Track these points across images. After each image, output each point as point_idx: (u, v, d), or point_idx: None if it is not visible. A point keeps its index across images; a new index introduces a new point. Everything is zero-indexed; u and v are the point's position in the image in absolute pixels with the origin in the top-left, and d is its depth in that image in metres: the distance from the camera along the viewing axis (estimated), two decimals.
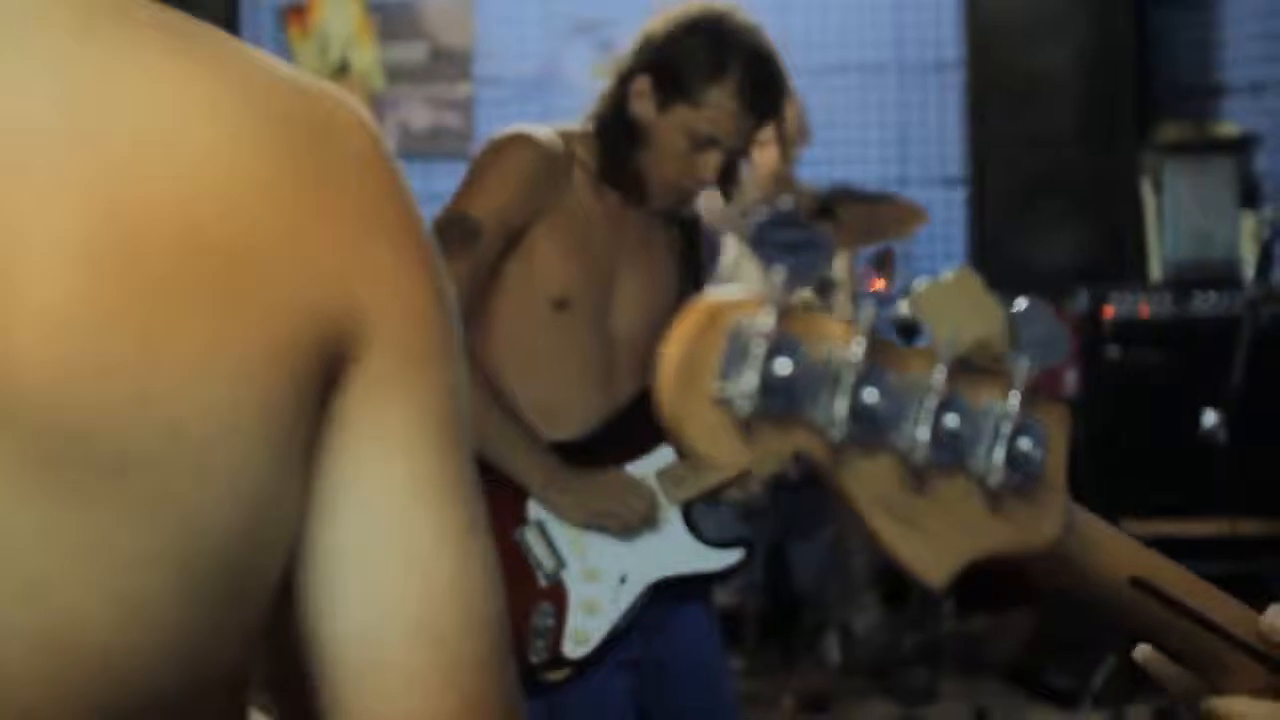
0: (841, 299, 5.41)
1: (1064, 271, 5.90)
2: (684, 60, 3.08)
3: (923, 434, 0.86)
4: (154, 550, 0.89)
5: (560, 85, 6.89)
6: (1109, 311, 5.03)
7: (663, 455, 3.21)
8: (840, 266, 5.16)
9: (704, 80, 3.06)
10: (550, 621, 3.08)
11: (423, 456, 0.97)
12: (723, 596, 5.42)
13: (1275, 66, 5.62)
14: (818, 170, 6.41)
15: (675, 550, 3.19)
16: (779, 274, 0.84)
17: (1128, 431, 4.99)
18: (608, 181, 3.16)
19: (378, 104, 6.82)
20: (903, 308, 4.86)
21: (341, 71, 6.81)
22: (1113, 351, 4.97)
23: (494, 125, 6.85)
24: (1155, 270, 5.80)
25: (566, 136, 3.17)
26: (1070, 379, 5.49)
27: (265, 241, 0.91)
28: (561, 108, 6.83)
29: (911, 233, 5.27)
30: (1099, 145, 6.13)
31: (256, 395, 0.91)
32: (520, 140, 3.12)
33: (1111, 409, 4.92)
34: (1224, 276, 5.10)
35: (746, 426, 0.83)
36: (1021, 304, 0.92)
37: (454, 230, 3.07)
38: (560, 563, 3.12)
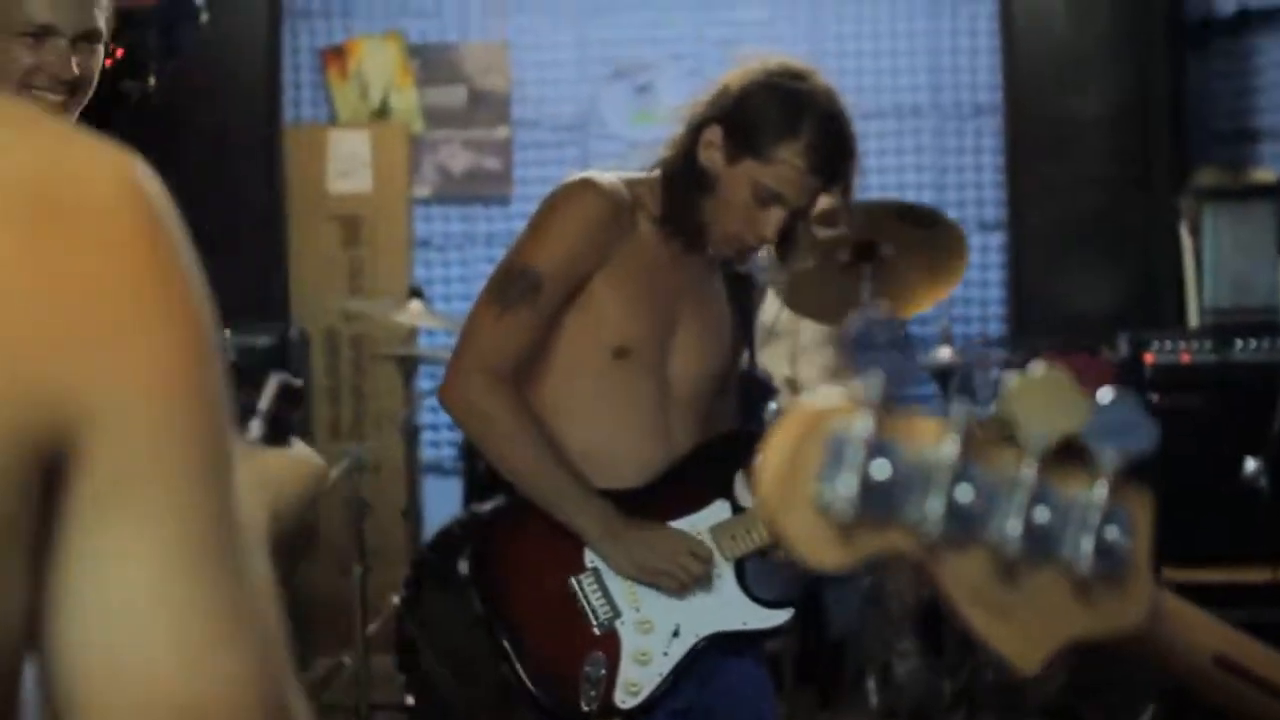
0: None
1: (1101, 316, 5.91)
2: (757, 115, 3.08)
3: (1014, 529, 0.87)
4: None
5: (597, 129, 6.93)
6: (1149, 358, 5.03)
7: (718, 510, 3.20)
8: (883, 309, 5.15)
9: (775, 138, 3.05)
10: (603, 671, 3.08)
11: (156, 571, 0.91)
12: None
13: None
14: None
15: (727, 606, 3.17)
16: (877, 377, 0.86)
17: (1169, 478, 4.97)
18: (669, 226, 3.15)
19: (418, 147, 6.86)
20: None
21: (381, 114, 6.85)
22: (1154, 398, 4.97)
23: (532, 168, 6.92)
24: (1193, 316, 5.80)
25: (631, 183, 3.18)
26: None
27: None
28: (599, 151, 6.88)
29: (959, 272, 5.26)
30: (1135, 190, 6.14)
31: None
32: (584, 188, 3.12)
33: (1153, 456, 4.91)
34: (1264, 323, 5.10)
35: (845, 529, 0.85)
36: (1107, 395, 0.93)
37: (516, 283, 3.08)
38: (615, 612, 3.12)
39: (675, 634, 3.13)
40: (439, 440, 6.81)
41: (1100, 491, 0.91)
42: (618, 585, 3.13)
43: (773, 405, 3.75)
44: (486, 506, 3.33)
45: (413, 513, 5.46)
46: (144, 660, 0.91)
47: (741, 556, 3.18)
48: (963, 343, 6.36)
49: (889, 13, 6.88)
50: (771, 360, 5.25)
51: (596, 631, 3.12)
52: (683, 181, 3.13)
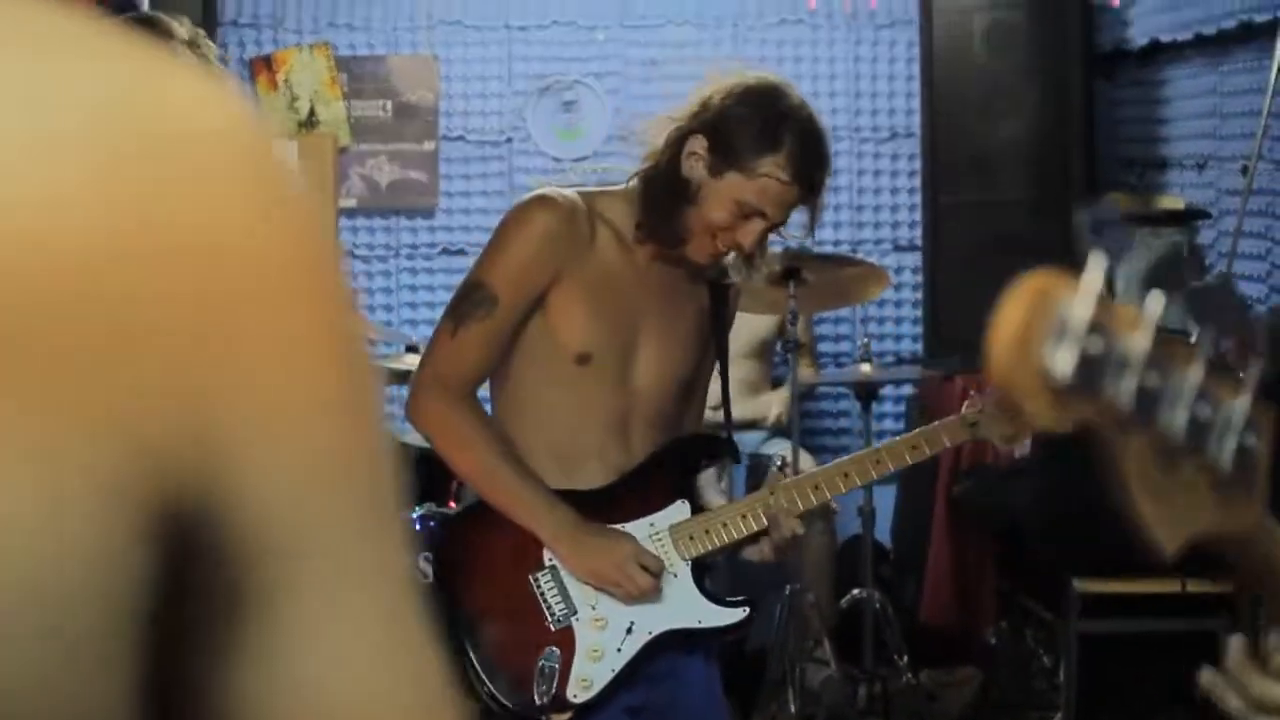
0: (804, 360, 5.54)
1: None
2: (741, 129, 3.14)
3: (1180, 419, 0.98)
4: None
5: (523, 144, 7.02)
6: None
7: (678, 510, 3.29)
8: (801, 327, 5.28)
9: (758, 151, 3.12)
10: (556, 664, 3.16)
11: (359, 647, 0.74)
12: None
13: (1216, 143, 5.78)
14: (773, 235, 6.54)
15: (682, 605, 3.25)
16: (1101, 261, 0.96)
17: (1081, 492, 5.10)
18: (647, 232, 3.22)
19: (344, 158, 6.92)
20: None
21: (309, 125, 6.91)
22: None
23: (457, 182, 7.00)
24: None
25: (589, 197, 3.25)
26: (1025, 442, 5.63)
27: (84, 331, 0.62)
28: (524, 166, 6.98)
29: (875, 295, 5.40)
30: (1049, 214, 6.28)
31: (45, 559, 0.61)
32: (537, 205, 3.18)
33: (1065, 470, 5.03)
34: None
35: (1059, 394, 0.94)
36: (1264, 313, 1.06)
37: (470, 299, 3.17)
38: (571, 609, 3.21)
39: (629, 631, 3.21)
40: None
41: (1245, 401, 1.02)
42: (575, 583, 3.21)
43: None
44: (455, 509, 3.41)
45: None
46: None
47: (699, 557, 3.27)
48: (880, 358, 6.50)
49: (810, 38, 7.02)
50: None
51: (552, 628, 3.20)
52: (664, 190, 3.19)
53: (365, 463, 0.72)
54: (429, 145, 6.98)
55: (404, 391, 6.80)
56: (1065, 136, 6.31)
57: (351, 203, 6.96)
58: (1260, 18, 5.30)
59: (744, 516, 3.30)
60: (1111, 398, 0.96)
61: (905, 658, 5.50)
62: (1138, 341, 0.96)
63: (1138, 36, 6.30)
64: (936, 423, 3.44)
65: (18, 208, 0.61)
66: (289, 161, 0.71)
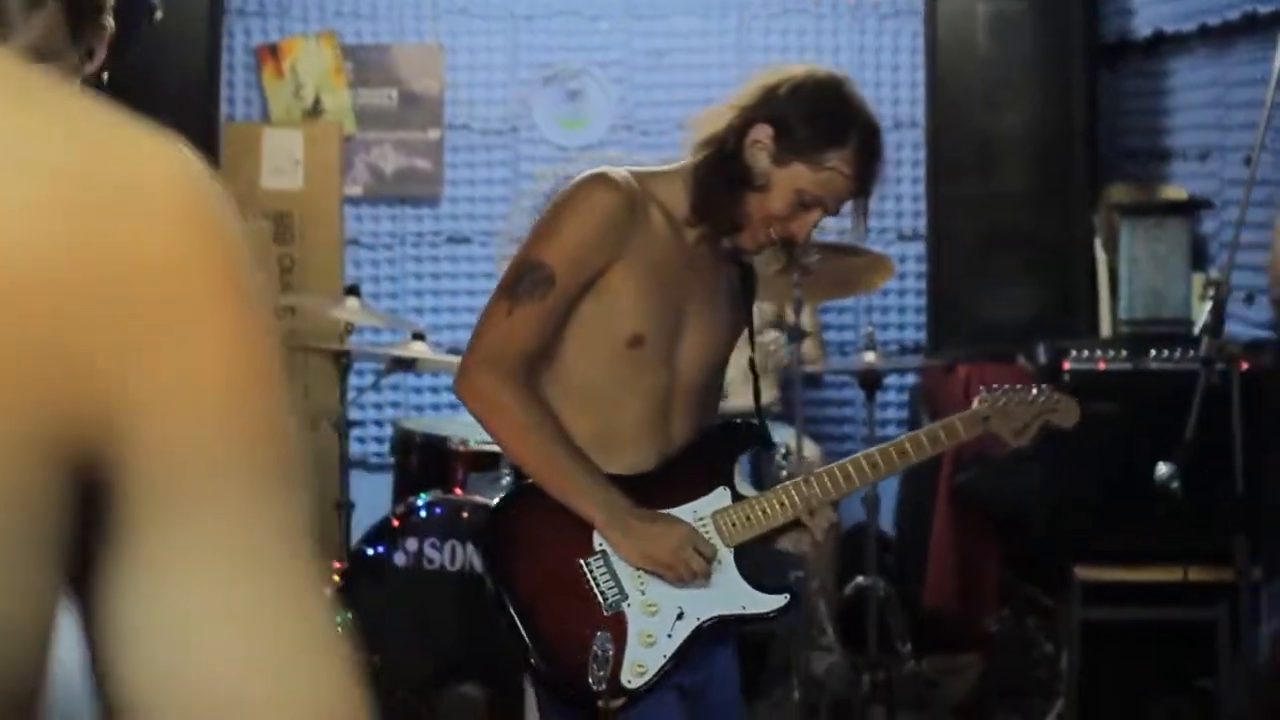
0: (810, 345, 5.56)
1: (1017, 326, 6.05)
2: (810, 120, 3.17)
3: None
4: None
5: (528, 133, 7.04)
6: (1067, 365, 5.17)
7: (720, 496, 3.31)
8: (807, 315, 5.31)
9: (826, 144, 3.16)
10: (609, 649, 3.07)
11: (220, 585, 0.85)
12: None
13: (1220, 134, 5.80)
14: None
15: (728, 591, 3.27)
16: None
17: (1084, 481, 5.14)
18: (702, 217, 3.23)
19: (350, 146, 6.94)
20: None
21: (315, 113, 6.93)
22: None
23: (462, 170, 7.02)
24: (1105, 327, 5.97)
25: (642, 177, 3.23)
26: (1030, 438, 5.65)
27: (11, 312, 0.80)
28: (529, 155, 7.00)
29: (881, 284, 5.41)
30: (1052, 205, 6.30)
31: None
32: (597, 183, 3.17)
33: (1069, 459, 5.06)
34: (1176, 333, 5.26)
35: None
36: None
37: (527, 278, 3.13)
38: (622, 594, 3.21)
39: (679, 616, 3.22)
40: (365, 436, 6.90)
41: None
42: (624, 568, 3.22)
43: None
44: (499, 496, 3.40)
45: (345, 506, 5.54)
46: (213, 680, 0.86)
47: (742, 543, 3.28)
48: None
49: (815, 27, 7.03)
50: None
51: (604, 613, 3.20)
52: (725, 177, 3.19)
53: (253, 440, 0.86)
54: (434, 134, 7.00)
55: (410, 380, 6.85)
56: (1069, 127, 6.33)
57: (357, 191, 6.98)
58: (1264, 9, 5.32)
59: (781, 504, 3.30)
60: None
61: (908, 645, 5.52)
62: None
63: (1141, 27, 6.32)
64: (954, 416, 3.48)
65: None
66: (223, 202, 0.88)
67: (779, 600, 3.30)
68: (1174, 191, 5.99)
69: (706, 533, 3.27)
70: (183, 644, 0.85)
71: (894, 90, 7.00)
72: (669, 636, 3.21)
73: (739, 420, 3.51)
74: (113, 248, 0.82)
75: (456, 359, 6.35)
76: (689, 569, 3.19)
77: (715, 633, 3.26)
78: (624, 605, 3.21)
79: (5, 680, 0.82)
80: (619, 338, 3.18)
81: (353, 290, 5.62)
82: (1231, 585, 4.63)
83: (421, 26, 7.02)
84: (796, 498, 3.30)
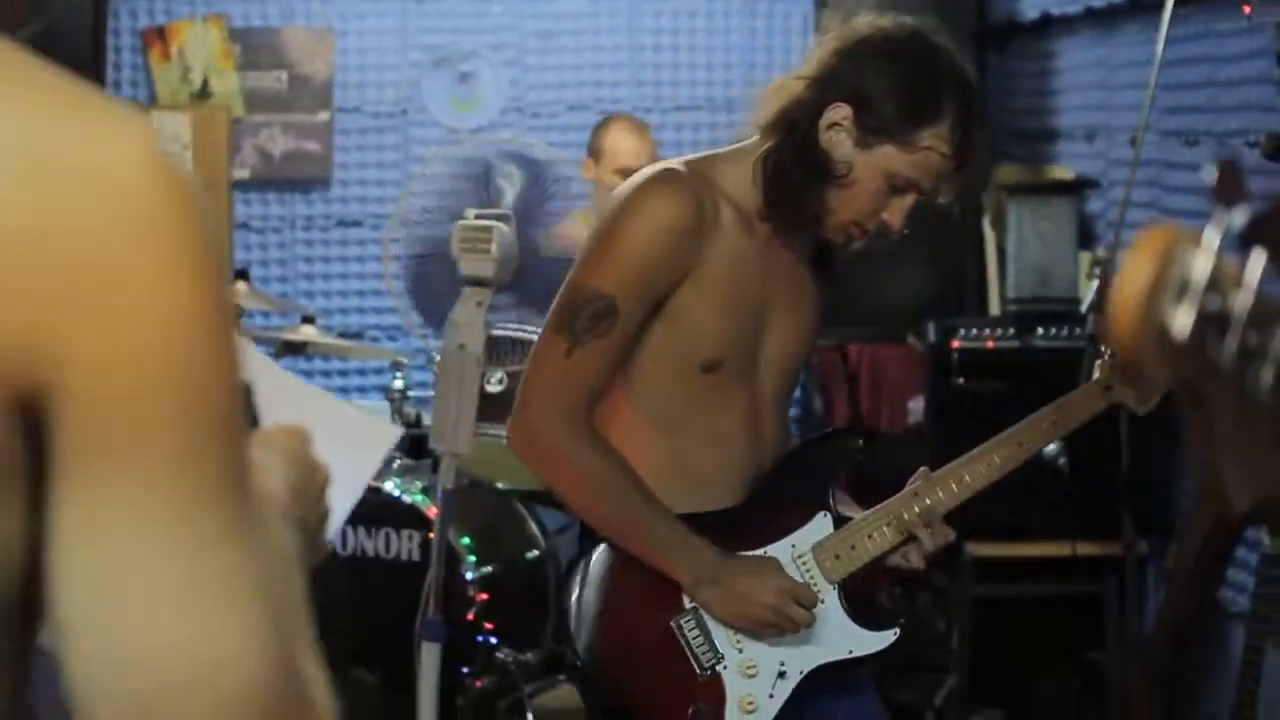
0: None
1: (908, 306, 6.08)
2: (897, 95, 2.73)
3: (1267, 378, 0.97)
4: None
5: (418, 116, 7.00)
6: (956, 344, 5.21)
7: (820, 525, 2.92)
8: None
9: (918, 121, 2.72)
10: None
11: (147, 533, 0.91)
12: None
13: (1105, 114, 5.85)
14: None
15: (833, 635, 2.86)
16: (1225, 217, 0.94)
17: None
18: (778, 212, 2.80)
19: (238, 130, 6.87)
20: None
21: (202, 97, 6.86)
22: (960, 382, 5.16)
23: (352, 153, 6.97)
24: (994, 306, 6.02)
25: (705, 168, 2.82)
26: (917, 407, 5.70)
27: None
28: (420, 138, 6.96)
29: None
30: None
31: None
32: (660, 188, 2.73)
33: (957, 436, 5.09)
34: (1064, 312, 5.31)
35: (1174, 350, 0.94)
36: None
37: (585, 311, 2.71)
38: (717, 656, 2.82)
39: (781, 675, 2.83)
40: None
41: None
42: (717, 625, 2.83)
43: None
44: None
45: None
46: (136, 622, 0.90)
47: (846, 577, 2.88)
48: None
49: (706, 9, 7.04)
50: None
51: (700, 678, 2.82)
52: (801, 166, 2.75)
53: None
54: (324, 117, 6.94)
55: (300, 364, 6.80)
56: None
57: (245, 174, 6.91)
58: None
59: (888, 525, 2.90)
60: (1216, 355, 0.95)
61: None
62: (1242, 299, 0.94)
63: (1028, 9, 6.37)
64: (1072, 394, 3.05)
65: None
66: (180, 180, 0.94)
67: (888, 636, 2.91)
68: (1061, 171, 6.04)
69: (808, 569, 2.87)
70: (103, 588, 0.90)
71: (784, 71, 7.00)
72: (770, 697, 2.82)
73: (833, 431, 3.08)
74: (67, 227, 0.89)
75: (348, 343, 6.33)
76: (792, 625, 2.79)
77: (824, 681, 2.87)
78: (720, 667, 2.82)
79: None
80: (693, 363, 2.78)
81: (242, 274, 5.58)
82: (1118, 560, 4.68)
83: (311, 8, 6.97)
84: (906, 516, 2.91)
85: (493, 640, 4.78)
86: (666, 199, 2.71)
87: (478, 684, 4.72)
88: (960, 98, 2.75)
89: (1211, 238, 0.94)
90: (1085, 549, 4.81)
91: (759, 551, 2.87)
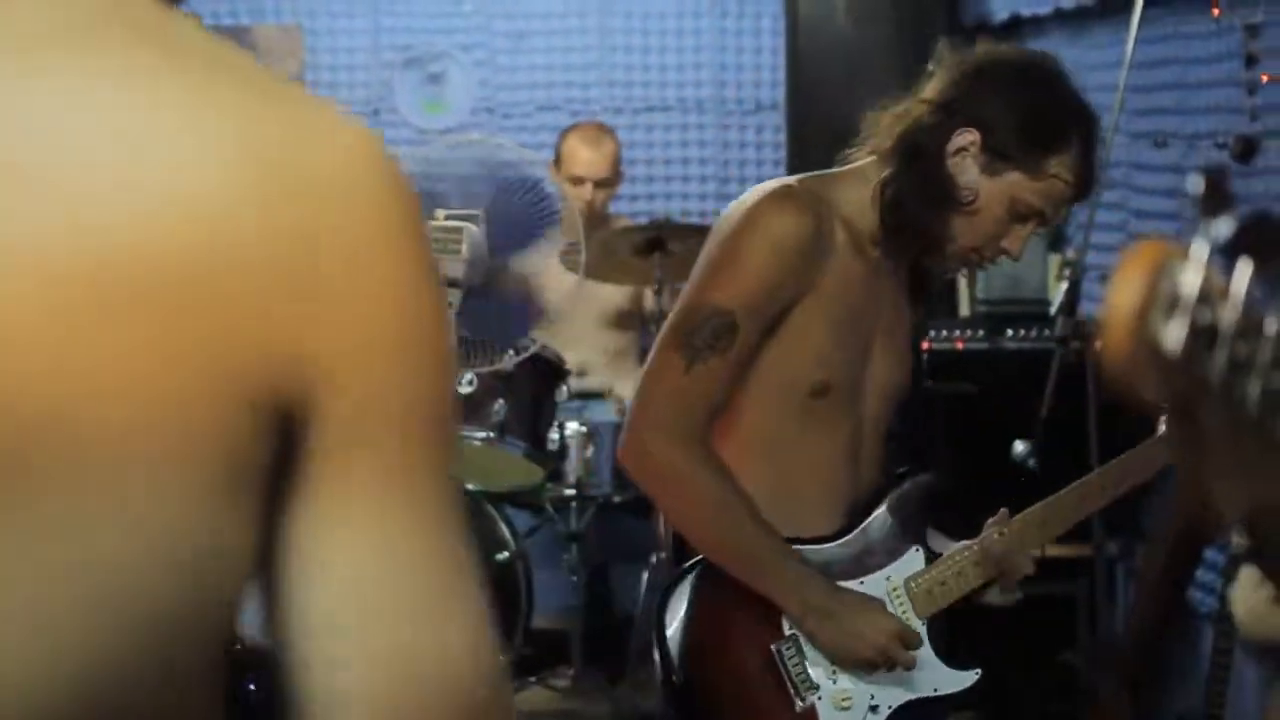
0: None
1: None
2: (1024, 121, 2.70)
3: (1255, 390, 0.95)
4: (49, 571, 0.87)
5: (389, 116, 6.98)
6: (926, 345, 5.21)
7: (913, 560, 2.92)
8: (665, 299, 5.31)
9: (1046, 148, 2.70)
10: None
11: (386, 530, 0.93)
12: (544, 620, 5.53)
13: None
14: (638, 205, 6.58)
15: (921, 671, 2.85)
16: (1211, 233, 0.94)
17: (942, 458, 5.18)
18: (901, 240, 2.78)
19: None
20: None
21: None
22: (929, 383, 5.17)
23: None
24: (964, 307, 6.02)
25: (821, 188, 2.76)
26: None
27: (213, 284, 0.88)
28: (391, 139, 6.93)
29: None
30: None
31: (178, 427, 0.88)
32: (781, 206, 2.68)
33: (927, 437, 5.10)
34: (1033, 313, 5.32)
35: (1165, 366, 0.93)
36: None
37: (704, 328, 2.66)
38: (813, 684, 2.79)
39: (872, 709, 2.82)
40: None
41: None
42: (815, 654, 2.79)
43: None
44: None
45: None
46: (374, 618, 0.92)
47: (935, 614, 2.90)
48: None
49: (676, 10, 7.05)
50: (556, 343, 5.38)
51: (797, 707, 2.79)
52: (925, 192, 2.71)
53: (418, 397, 0.94)
54: None
55: None
56: None
57: None
58: None
59: (976, 564, 2.92)
60: (1205, 370, 0.94)
61: None
62: (1229, 312, 0.94)
63: (999, 10, 6.38)
64: (1137, 450, 3.06)
65: (188, 202, 0.88)
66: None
67: (969, 677, 2.93)
68: None
69: (901, 605, 2.87)
70: (355, 586, 0.92)
71: (755, 73, 7.03)
72: None
73: (924, 471, 3.05)
74: (302, 228, 0.90)
75: None
76: (895, 665, 2.79)
77: (907, 716, 2.87)
78: (814, 698, 2.79)
79: (208, 609, 0.91)
80: (802, 386, 2.75)
81: None
82: (1089, 560, 4.69)
83: (281, 7, 6.95)
84: (994, 553, 2.93)
85: None
86: (788, 216, 2.67)
87: None
88: (1085, 127, 2.74)
89: (1200, 250, 0.94)
90: (1055, 550, 4.77)
91: (855, 583, 2.85)
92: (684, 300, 2.74)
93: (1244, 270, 0.95)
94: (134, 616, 0.88)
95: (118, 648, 0.88)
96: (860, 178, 2.79)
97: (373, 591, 0.93)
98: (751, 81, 7.01)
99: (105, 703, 0.89)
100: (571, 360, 5.45)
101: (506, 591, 5.00)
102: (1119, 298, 0.93)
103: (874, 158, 2.81)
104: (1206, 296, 0.93)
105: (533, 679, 5.38)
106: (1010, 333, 5.22)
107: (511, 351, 5.07)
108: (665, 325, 2.76)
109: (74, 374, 0.85)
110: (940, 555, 2.93)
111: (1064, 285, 5.07)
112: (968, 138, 2.69)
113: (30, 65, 0.89)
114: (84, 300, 0.86)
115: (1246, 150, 4.36)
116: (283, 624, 0.93)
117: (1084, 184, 2.76)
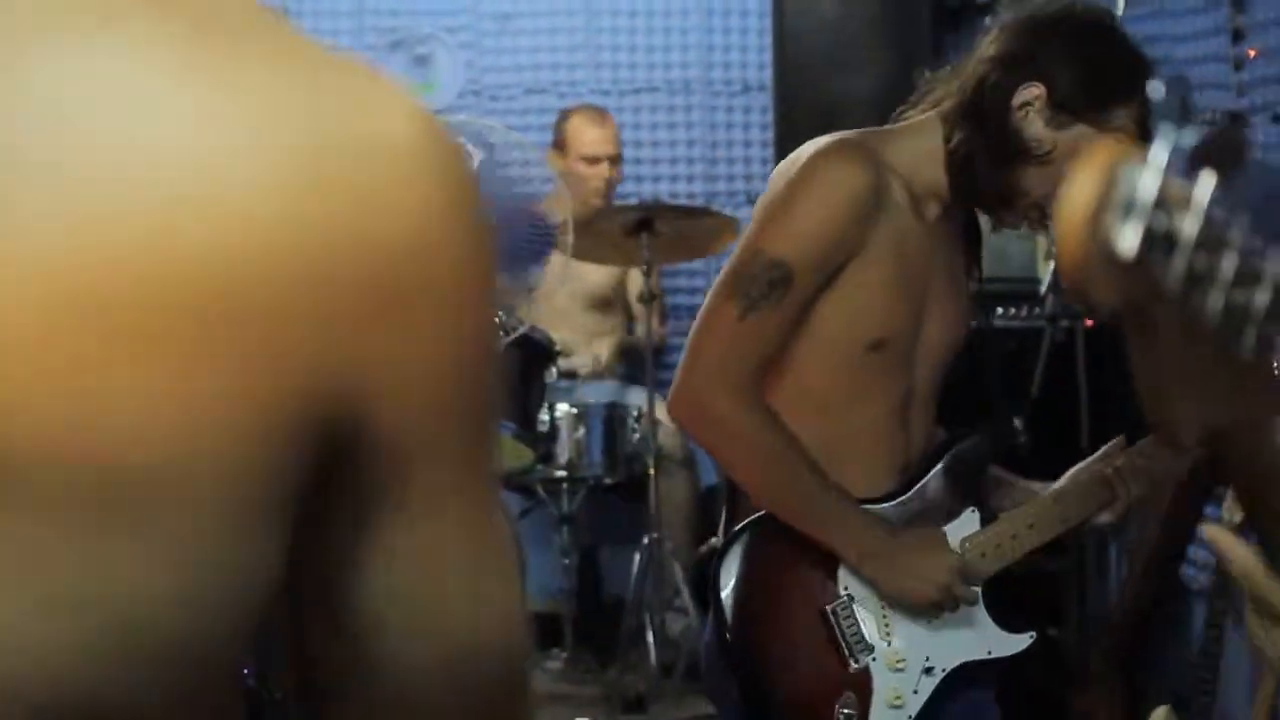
0: (655, 311, 5.56)
1: None
2: (1089, 74, 2.68)
3: (1216, 303, 0.93)
4: (61, 594, 0.80)
5: None
6: None
7: (968, 521, 2.88)
8: (653, 280, 5.31)
9: (1114, 101, 2.66)
10: (854, 714, 2.75)
11: (446, 541, 0.92)
12: (537, 603, 5.54)
13: None
14: (627, 186, 6.57)
15: (974, 634, 2.84)
16: (1170, 136, 0.92)
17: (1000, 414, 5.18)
18: (966, 197, 2.77)
19: None
20: None
21: None
22: None
23: None
24: None
25: (878, 143, 2.75)
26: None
27: (252, 294, 0.80)
28: None
29: (727, 247, 5.43)
30: None
31: (212, 449, 0.80)
32: (839, 159, 2.67)
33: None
34: (1023, 291, 5.33)
35: (1120, 269, 0.91)
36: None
37: (761, 277, 2.64)
38: (867, 646, 2.78)
39: (927, 670, 2.80)
40: None
41: (1268, 294, 0.96)
42: (869, 615, 2.78)
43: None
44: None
45: None
46: (446, 605, 0.93)
47: (992, 575, 2.86)
48: None
49: None
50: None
51: (851, 669, 2.77)
52: (994, 149, 2.70)
53: (473, 400, 0.91)
54: None
55: None
56: (914, 89, 6.36)
57: None
58: None
59: (1029, 527, 2.89)
60: (1162, 277, 0.92)
61: None
62: (1190, 222, 0.91)
63: None
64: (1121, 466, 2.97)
65: (222, 191, 0.79)
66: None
67: (1024, 640, 2.89)
68: None
69: None
70: (425, 574, 0.91)
71: (742, 54, 7.02)
72: (915, 693, 2.79)
73: (984, 428, 3.07)
74: (362, 232, 0.82)
75: None
76: (954, 604, 2.78)
77: (959, 681, 2.84)
78: (868, 659, 2.77)
79: (227, 640, 0.87)
80: (858, 341, 2.72)
81: None
82: (1078, 536, 4.70)
83: None
84: (1051, 517, 2.91)
85: None
86: (848, 169, 2.65)
87: None
88: (1146, 78, 2.66)
89: (1159, 155, 0.92)
90: None
91: (929, 530, 2.84)
92: (740, 249, 2.71)
93: (1207, 181, 0.93)
94: (145, 649, 0.82)
95: (129, 681, 0.82)
96: (918, 134, 2.78)
97: (448, 575, 0.93)
98: (739, 62, 7.00)
99: None
100: (561, 338, 5.45)
101: None
102: (1073, 196, 0.91)
103: (930, 114, 2.80)
104: (1164, 203, 0.91)
105: None
106: (999, 311, 5.22)
107: (501, 332, 5.07)
108: (720, 275, 2.73)
109: (75, 393, 0.77)
110: (996, 518, 2.90)
111: (1052, 264, 5.08)
112: (1033, 92, 2.67)
113: (36, 39, 0.80)
114: (87, 305, 0.77)
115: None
116: (341, 607, 0.92)
117: (1149, 130, 2.70)
